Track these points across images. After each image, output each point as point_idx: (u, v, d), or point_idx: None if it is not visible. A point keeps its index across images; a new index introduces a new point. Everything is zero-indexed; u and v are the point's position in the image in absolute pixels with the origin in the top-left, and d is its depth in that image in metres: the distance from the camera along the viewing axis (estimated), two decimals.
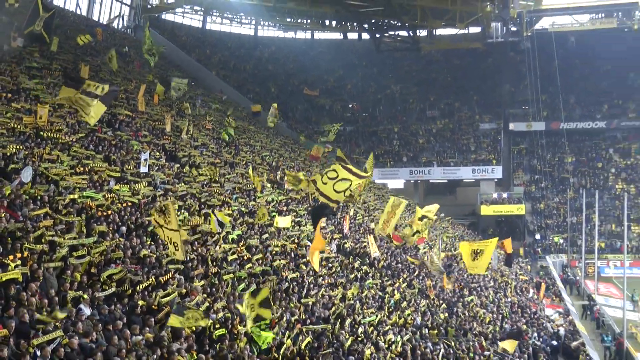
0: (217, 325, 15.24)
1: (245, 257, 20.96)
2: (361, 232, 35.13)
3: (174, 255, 16.42)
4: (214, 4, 69.42)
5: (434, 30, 73.23)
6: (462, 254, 30.12)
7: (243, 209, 26.67)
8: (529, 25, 71.71)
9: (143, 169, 24.23)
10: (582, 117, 79.18)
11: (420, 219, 37.91)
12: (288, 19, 78.58)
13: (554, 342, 32.73)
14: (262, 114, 54.21)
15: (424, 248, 37.92)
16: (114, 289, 14.62)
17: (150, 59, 40.34)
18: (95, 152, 23.68)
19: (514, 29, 71.61)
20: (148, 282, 15.56)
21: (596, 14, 76.27)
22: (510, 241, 38.74)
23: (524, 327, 31.92)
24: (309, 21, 79.56)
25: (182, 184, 25.67)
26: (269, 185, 33.11)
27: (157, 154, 28.91)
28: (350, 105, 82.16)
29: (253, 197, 29.62)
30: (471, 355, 22.77)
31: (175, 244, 15.72)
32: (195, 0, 67.89)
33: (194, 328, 14.11)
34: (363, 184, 27.41)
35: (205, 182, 28.00)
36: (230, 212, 24.64)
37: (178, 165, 28.92)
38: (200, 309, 14.69)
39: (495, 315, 32.03)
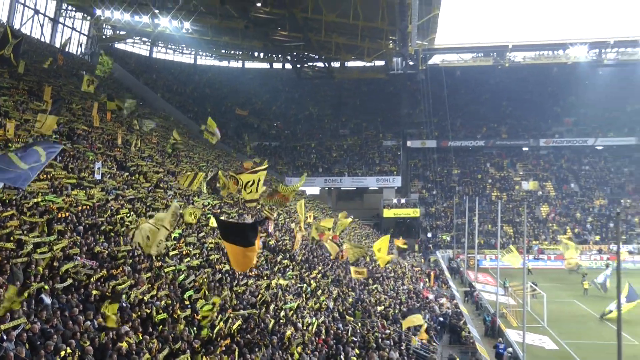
0: (160, 311, 15.07)
1: (184, 253, 20.73)
2: (283, 231, 35.05)
3: (148, 248, 16.23)
4: (159, 36, 68.54)
5: (345, 62, 73.73)
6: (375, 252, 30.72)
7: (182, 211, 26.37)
8: (424, 61, 72.70)
9: (97, 177, 23.86)
10: (465, 137, 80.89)
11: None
12: (223, 51, 78.27)
13: (442, 319, 33.31)
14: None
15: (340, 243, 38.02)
16: (71, 281, 14.32)
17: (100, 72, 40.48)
18: (55, 161, 23.15)
19: (411, 63, 72.45)
20: (101, 274, 15.32)
21: (477, 54, 77.86)
22: (401, 240, 39.44)
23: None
24: (240, 53, 79.39)
25: (131, 190, 25.24)
26: (205, 191, 32.77)
27: (110, 163, 28.38)
28: (275, 124, 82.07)
29: (192, 201, 29.28)
30: (375, 333, 22.87)
31: (160, 241, 15.59)
32: (143, 33, 66.91)
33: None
34: (290, 194, 27.49)
35: (150, 188, 27.59)
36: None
37: (127, 173, 28.43)
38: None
39: (394, 300, 32.29)
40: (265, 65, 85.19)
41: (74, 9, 62.15)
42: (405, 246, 51.51)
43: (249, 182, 24.74)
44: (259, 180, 24.91)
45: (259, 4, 49.58)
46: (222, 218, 24.96)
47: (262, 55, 78.09)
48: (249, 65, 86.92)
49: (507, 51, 74.52)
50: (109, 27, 66.54)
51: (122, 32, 68.10)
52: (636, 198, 74.40)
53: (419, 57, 70.14)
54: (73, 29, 63.84)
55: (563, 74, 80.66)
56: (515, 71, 78.91)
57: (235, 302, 18.71)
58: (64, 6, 61.37)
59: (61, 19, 61.75)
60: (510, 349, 28.46)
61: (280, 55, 74.08)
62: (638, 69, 77.04)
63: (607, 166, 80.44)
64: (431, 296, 40.17)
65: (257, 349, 16.00)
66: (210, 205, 30.38)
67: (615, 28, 71.37)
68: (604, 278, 45.97)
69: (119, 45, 75.02)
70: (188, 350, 13.92)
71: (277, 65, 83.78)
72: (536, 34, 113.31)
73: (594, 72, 79.39)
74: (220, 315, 16.69)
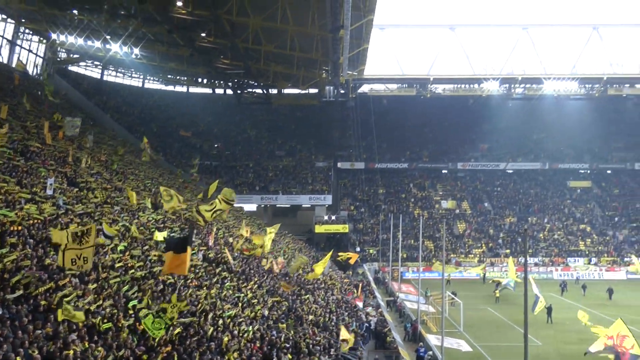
0: (105, 320, 14.81)
1: (129, 265, 20.39)
2: (222, 244, 34.80)
3: (81, 268, 15.85)
4: (110, 60, 67.40)
5: (282, 90, 73.93)
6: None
7: (128, 225, 25.87)
8: (354, 90, 73.67)
9: (49, 192, 23.30)
10: (391, 159, 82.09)
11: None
12: (169, 76, 77.61)
13: (366, 325, 33.61)
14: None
15: (270, 258, 37.85)
16: (21, 292, 13.96)
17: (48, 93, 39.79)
18: (10, 177, 22.57)
19: (342, 91, 73.31)
20: (49, 285, 14.96)
21: (402, 84, 79.15)
22: (356, 255, 39.72)
23: (347, 318, 32.48)
24: (185, 78, 79.10)
25: (80, 205, 24.71)
26: (149, 206, 32.29)
27: (61, 179, 27.75)
28: (216, 145, 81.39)
29: (137, 216, 28.81)
30: (306, 340, 22.92)
31: (86, 258, 15.25)
32: (95, 56, 65.67)
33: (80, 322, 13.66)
34: (226, 210, 27.31)
35: (98, 203, 27.04)
36: (118, 227, 23.89)
37: (77, 189, 27.82)
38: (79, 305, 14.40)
39: (325, 309, 32.37)
40: (209, 90, 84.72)
41: (30, 32, 60.78)
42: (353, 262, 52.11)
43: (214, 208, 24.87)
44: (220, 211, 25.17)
45: (203, 34, 49.48)
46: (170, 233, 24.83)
47: (205, 81, 77.66)
48: (193, 89, 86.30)
49: (428, 83, 76.18)
50: (64, 50, 65.18)
51: (75, 56, 66.82)
52: (540, 216, 76.84)
53: (350, 86, 71.04)
54: (29, 50, 62.48)
55: (478, 105, 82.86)
56: (436, 101, 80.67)
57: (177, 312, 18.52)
58: (22, 29, 60.03)
59: (18, 41, 60.37)
60: (430, 352, 28.90)
61: (222, 82, 73.77)
62: (542, 103, 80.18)
63: (516, 188, 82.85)
64: (359, 305, 40.40)
65: (195, 355, 15.87)
66: (154, 220, 29.94)
67: (522, 66, 73.88)
68: (507, 281, 47.46)
69: (73, 68, 73.32)
70: (131, 357, 13.74)
71: (219, 91, 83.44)
72: (455, 68, 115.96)
73: (505, 104, 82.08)
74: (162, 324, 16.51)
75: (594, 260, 68.45)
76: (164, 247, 19.19)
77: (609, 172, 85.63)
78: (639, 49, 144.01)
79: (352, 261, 49.52)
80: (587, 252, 69.50)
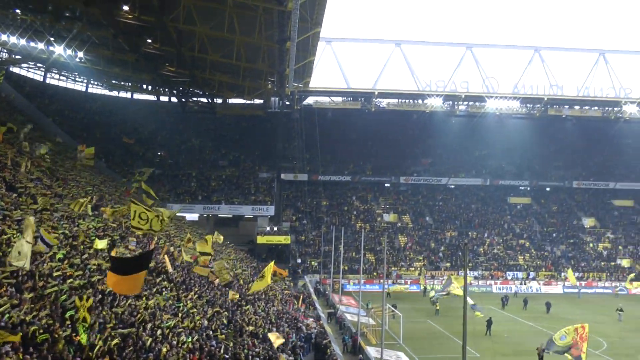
0: (41, 331, 14.53)
1: (68, 274, 20.01)
2: (162, 254, 34.44)
3: (17, 262, 15.56)
4: (54, 63, 66.06)
5: (227, 99, 73.85)
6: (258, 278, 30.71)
7: (67, 232, 25.39)
8: (299, 101, 74.11)
9: None
10: (334, 172, 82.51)
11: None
12: (114, 81, 76.63)
13: (306, 335, 33.72)
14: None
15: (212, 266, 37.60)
16: None
17: None
18: None
19: (287, 103, 73.73)
20: None
21: (347, 97, 79.96)
22: (285, 272, 39.86)
23: (287, 329, 32.50)
24: (130, 84, 78.17)
25: (19, 211, 24.13)
26: (90, 213, 31.74)
27: None
28: (159, 153, 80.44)
29: (77, 223, 28.28)
30: (245, 351, 22.88)
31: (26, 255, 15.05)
32: (38, 58, 64.39)
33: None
34: (164, 218, 26.88)
35: (38, 210, 26.45)
36: (57, 235, 23.42)
37: (16, 194, 27.16)
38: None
39: (265, 320, 32.34)
40: (153, 98, 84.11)
41: None
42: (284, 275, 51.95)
43: (142, 213, 24.57)
44: (151, 219, 24.82)
45: (149, 40, 49.04)
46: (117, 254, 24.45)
47: (150, 87, 77.03)
48: (138, 96, 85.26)
49: (373, 97, 77.18)
50: (5, 51, 63.67)
51: (17, 57, 65.37)
52: (481, 231, 78.44)
53: (295, 97, 71.50)
54: None
55: (422, 120, 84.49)
56: (380, 115, 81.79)
57: (114, 322, 18.25)
58: None
59: None
60: None
61: (167, 89, 73.25)
62: (484, 120, 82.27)
63: (458, 202, 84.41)
64: (299, 317, 40.47)
65: None
66: (94, 227, 29.43)
67: (466, 84, 75.73)
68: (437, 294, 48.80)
69: (14, 69, 71.65)
70: None
71: (164, 98, 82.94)
72: (400, 83, 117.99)
73: (448, 120, 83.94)
74: (99, 335, 16.26)
75: (532, 274, 70.24)
76: (110, 266, 18.85)
77: (548, 189, 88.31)
78: (578, 72, 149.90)
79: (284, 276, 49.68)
80: (525, 267, 71.32)
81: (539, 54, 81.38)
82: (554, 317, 48.80)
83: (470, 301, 49.03)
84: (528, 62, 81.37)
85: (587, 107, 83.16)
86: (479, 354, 33.29)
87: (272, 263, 31.43)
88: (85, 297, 16.03)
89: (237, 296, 31.55)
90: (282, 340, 25.33)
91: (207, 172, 78.40)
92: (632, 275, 70.27)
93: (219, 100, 73.64)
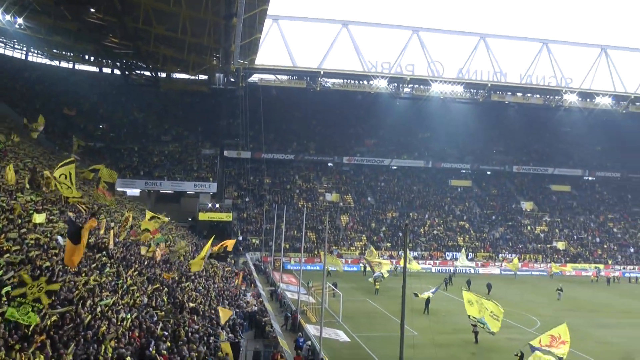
0: None
1: (4, 248, 19.49)
2: (103, 230, 33.89)
3: None
4: None
5: (172, 74, 72.78)
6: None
7: (5, 205, 24.71)
8: (244, 78, 73.54)
9: None
10: (278, 150, 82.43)
11: (150, 219, 37.69)
12: (55, 50, 74.57)
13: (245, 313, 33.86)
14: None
15: (154, 243, 37.22)
16: None
17: None
18: None
19: (232, 79, 73.07)
20: None
21: (292, 76, 79.78)
22: (233, 242, 39.66)
23: (227, 307, 32.48)
24: (72, 54, 76.20)
25: None
26: (28, 186, 30.89)
27: None
28: (100, 126, 78.61)
29: (14, 196, 27.54)
30: (185, 328, 22.79)
31: None
32: None
33: None
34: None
35: None
36: None
37: None
38: None
39: (205, 297, 32.24)
40: (95, 69, 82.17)
41: None
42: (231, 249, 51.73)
43: (62, 175, 24.06)
44: (70, 174, 24.27)
45: (93, 10, 47.78)
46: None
47: (92, 58, 75.23)
48: (80, 67, 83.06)
49: (319, 77, 77.14)
50: None
51: None
52: (422, 212, 79.73)
53: (240, 74, 70.91)
54: None
55: (366, 101, 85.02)
56: (325, 95, 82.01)
57: (52, 299, 17.90)
58: None
59: None
60: (309, 342, 29.45)
61: (110, 61, 71.73)
62: (428, 104, 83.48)
63: (400, 184, 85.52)
64: (240, 294, 40.49)
65: (71, 344, 15.46)
66: (33, 201, 28.69)
67: (412, 67, 76.50)
68: (378, 273, 51.20)
69: None
70: (3, 348, 13.21)
71: (107, 70, 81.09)
72: (346, 64, 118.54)
73: (392, 102, 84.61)
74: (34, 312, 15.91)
75: (470, 255, 71.82)
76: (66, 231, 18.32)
77: (488, 173, 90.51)
78: (522, 61, 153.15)
79: (229, 248, 49.36)
80: (464, 248, 72.75)
81: (484, 41, 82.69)
82: (495, 297, 49.89)
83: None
84: (473, 48, 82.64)
85: (529, 95, 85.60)
86: (417, 331, 33.93)
87: (210, 241, 31.35)
88: (44, 279, 15.44)
89: (174, 275, 31.33)
90: (230, 313, 25.35)
91: (150, 147, 77.19)
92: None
93: (163, 75, 72.56)
